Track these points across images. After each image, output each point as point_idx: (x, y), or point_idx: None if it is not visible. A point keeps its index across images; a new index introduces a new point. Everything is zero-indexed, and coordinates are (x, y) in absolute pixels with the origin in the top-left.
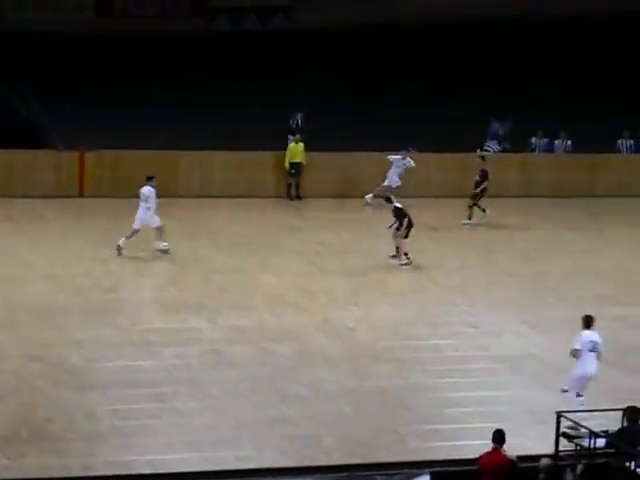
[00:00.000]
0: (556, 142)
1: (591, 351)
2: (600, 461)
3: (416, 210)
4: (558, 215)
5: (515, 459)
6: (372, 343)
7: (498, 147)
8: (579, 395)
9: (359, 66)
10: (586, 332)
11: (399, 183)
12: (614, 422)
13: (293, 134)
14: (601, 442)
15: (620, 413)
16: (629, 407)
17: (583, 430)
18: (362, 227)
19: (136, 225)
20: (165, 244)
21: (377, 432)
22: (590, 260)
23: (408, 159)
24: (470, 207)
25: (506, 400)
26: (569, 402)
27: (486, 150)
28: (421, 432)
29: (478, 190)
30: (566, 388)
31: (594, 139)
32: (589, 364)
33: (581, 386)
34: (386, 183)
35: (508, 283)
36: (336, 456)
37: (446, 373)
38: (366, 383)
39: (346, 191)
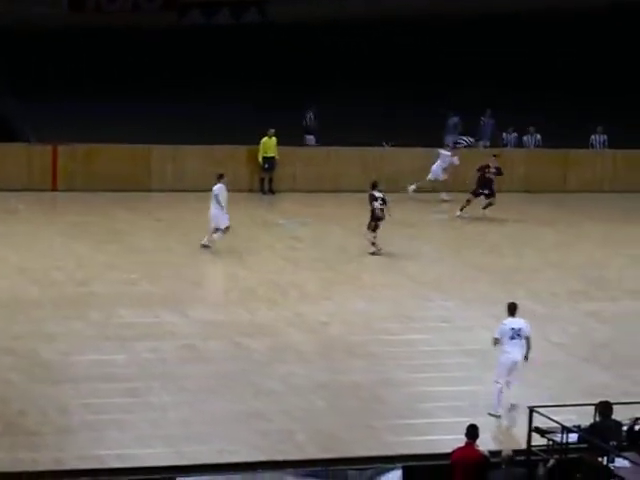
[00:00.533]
0: (525, 137)
1: (512, 338)
2: (572, 456)
3: (390, 205)
4: (530, 210)
5: (487, 454)
6: (345, 338)
7: (471, 140)
8: (497, 382)
9: (334, 60)
10: (509, 320)
11: (445, 177)
12: (586, 417)
13: (309, 132)
14: (573, 437)
15: (592, 408)
16: (601, 402)
17: (555, 425)
18: (336, 222)
19: (213, 224)
20: (212, 239)
21: (351, 426)
22: (562, 255)
23: (455, 157)
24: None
25: (479, 395)
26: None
27: (459, 143)
28: (395, 427)
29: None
30: (501, 379)
31: (567, 134)
32: (511, 352)
33: (499, 373)
34: (431, 177)
35: (481, 278)
36: (309, 450)
37: (419, 368)
38: (340, 378)
39: (320, 186)
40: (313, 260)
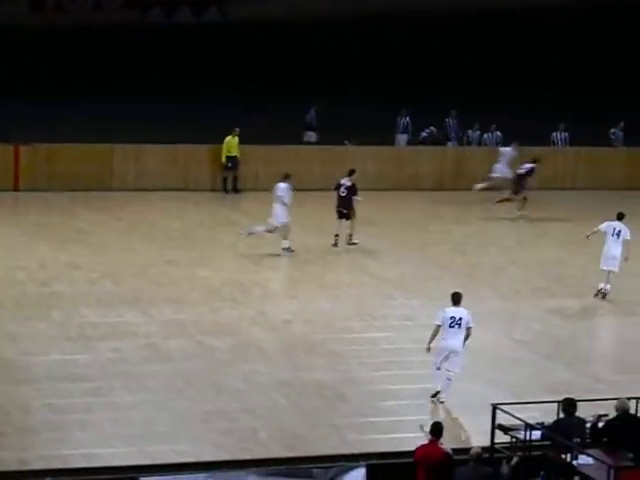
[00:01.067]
0: (485, 135)
1: (451, 327)
2: (536, 453)
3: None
4: (493, 208)
5: (451, 452)
6: (308, 336)
7: (434, 130)
8: (438, 368)
9: (295, 60)
10: (451, 309)
11: (511, 173)
12: (550, 414)
13: (311, 129)
14: (537, 434)
15: (556, 405)
16: (565, 399)
17: (519, 422)
18: (299, 220)
19: (278, 223)
20: (286, 243)
21: (314, 425)
22: (524, 253)
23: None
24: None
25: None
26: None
27: (425, 137)
28: (358, 425)
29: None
30: (438, 365)
31: (529, 132)
32: (449, 339)
33: (436, 359)
34: (498, 174)
35: (444, 276)
36: (273, 449)
37: (382, 366)
38: (302, 376)
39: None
40: (275, 259)
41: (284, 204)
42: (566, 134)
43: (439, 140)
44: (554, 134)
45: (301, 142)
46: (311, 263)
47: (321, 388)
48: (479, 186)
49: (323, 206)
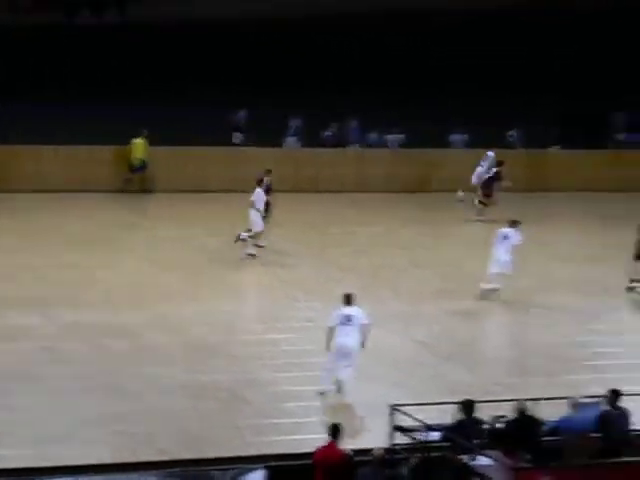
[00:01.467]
0: (389, 137)
1: (343, 324)
2: (435, 454)
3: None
4: (393, 210)
5: (351, 453)
6: (209, 338)
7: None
8: (329, 369)
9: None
10: (342, 308)
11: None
12: (449, 415)
13: (240, 131)
14: (436, 435)
15: (455, 406)
16: (464, 400)
17: (418, 423)
18: (202, 222)
19: (257, 228)
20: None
21: (214, 427)
22: (425, 255)
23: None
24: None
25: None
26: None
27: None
28: (259, 426)
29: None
30: (330, 365)
31: (429, 135)
32: (340, 336)
33: (330, 356)
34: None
35: (345, 278)
36: (172, 451)
37: (283, 367)
38: (203, 378)
39: (190, 186)
40: (177, 261)
41: (258, 210)
42: (464, 136)
43: (340, 142)
44: (452, 137)
45: (230, 143)
46: (212, 265)
47: (221, 390)
48: (460, 195)
49: (224, 208)
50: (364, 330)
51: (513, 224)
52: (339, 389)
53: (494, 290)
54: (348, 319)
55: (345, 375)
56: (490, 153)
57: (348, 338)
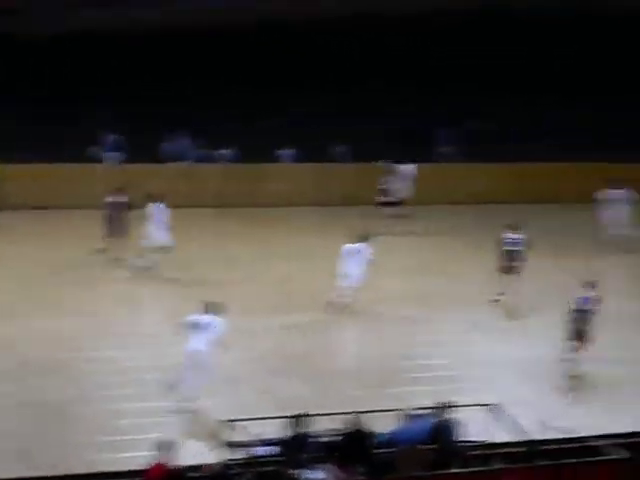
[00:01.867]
0: (221, 152)
1: (192, 329)
2: (267, 469)
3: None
4: (222, 226)
5: (183, 469)
6: (42, 355)
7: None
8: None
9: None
10: (193, 316)
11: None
12: (282, 430)
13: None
14: (271, 450)
15: (288, 421)
16: (298, 414)
17: (251, 439)
18: (44, 237)
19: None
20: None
21: (45, 445)
22: (256, 270)
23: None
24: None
25: (175, 409)
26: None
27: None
28: (93, 444)
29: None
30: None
31: (260, 149)
32: (189, 341)
33: (184, 362)
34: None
35: (176, 293)
36: (12, 470)
37: (118, 384)
38: (36, 396)
39: (44, 202)
40: (10, 278)
41: (164, 224)
42: (292, 151)
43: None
44: (280, 152)
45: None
46: (48, 280)
47: (53, 408)
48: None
49: (90, 222)
50: (216, 335)
51: (364, 239)
52: (172, 388)
53: (342, 304)
54: (195, 324)
55: (192, 389)
56: (409, 166)
57: (195, 343)
